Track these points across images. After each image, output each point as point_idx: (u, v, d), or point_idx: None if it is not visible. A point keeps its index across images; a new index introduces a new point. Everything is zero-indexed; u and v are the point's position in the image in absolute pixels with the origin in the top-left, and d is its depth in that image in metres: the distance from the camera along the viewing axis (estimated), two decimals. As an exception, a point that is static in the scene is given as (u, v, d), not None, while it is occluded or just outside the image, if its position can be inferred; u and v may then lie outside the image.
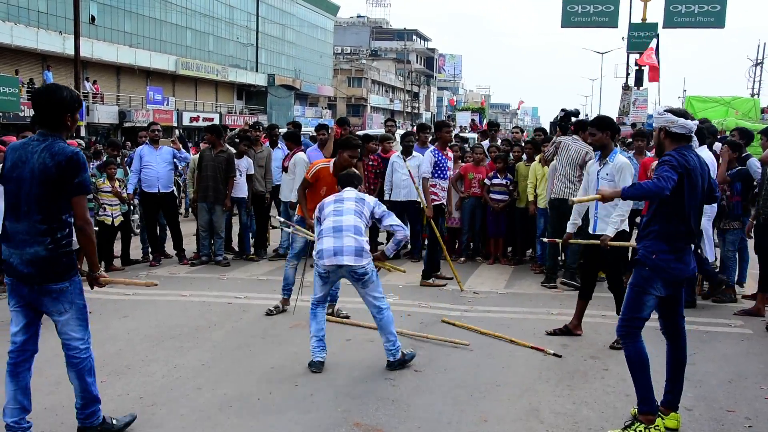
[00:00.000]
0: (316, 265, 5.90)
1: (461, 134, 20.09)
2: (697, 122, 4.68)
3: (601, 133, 6.66)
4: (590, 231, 6.70)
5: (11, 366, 4.22)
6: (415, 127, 12.99)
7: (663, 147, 4.65)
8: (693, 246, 4.64)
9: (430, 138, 10.48)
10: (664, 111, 4.64)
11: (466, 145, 12.87)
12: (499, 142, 12.19)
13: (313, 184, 7.21)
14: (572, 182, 8.57)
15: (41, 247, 4.03)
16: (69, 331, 4.20)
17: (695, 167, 4.49)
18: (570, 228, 6.93)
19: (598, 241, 6.38)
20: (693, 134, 4.60)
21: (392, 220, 6.08)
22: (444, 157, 9.18)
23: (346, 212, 5.88)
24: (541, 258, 10.00)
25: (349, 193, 6.11)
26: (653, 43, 24.58)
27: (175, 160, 10.41)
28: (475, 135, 21.99)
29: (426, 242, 10.05)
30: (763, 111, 25.82)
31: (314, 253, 5.96)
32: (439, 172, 9.11)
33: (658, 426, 4.46)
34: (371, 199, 6.13)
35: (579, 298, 6.81)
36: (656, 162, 4.71)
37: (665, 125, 4.57)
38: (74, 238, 4.17)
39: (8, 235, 4.13)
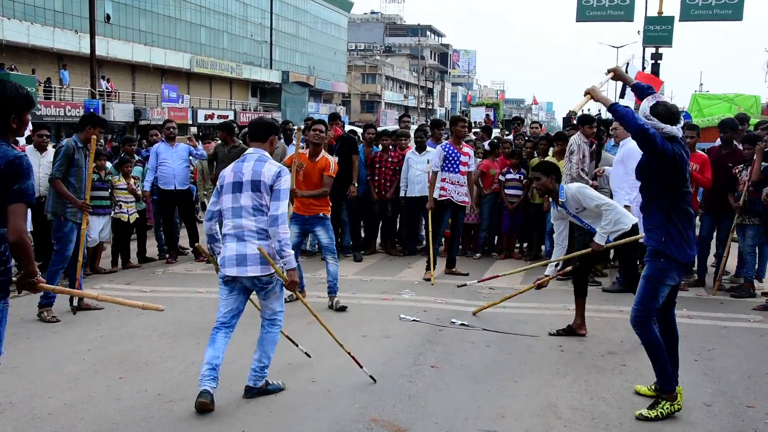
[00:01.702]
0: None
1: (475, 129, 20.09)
2: (681, 124, 4.71)
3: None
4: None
5: None
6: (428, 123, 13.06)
7: None
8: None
9: (446, 135, 10.51)
10: (651, 114, 4.61)
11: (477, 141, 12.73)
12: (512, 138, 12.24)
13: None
14: (582, 177, 8.77)
15: None
16: None
17: (681, 153, 4.64)
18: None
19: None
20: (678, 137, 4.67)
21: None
22: (457, 151, 9.14)
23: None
24: (550, 254, 9.96)
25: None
26: (638, 68, 24.86)
27: (191, 157, 10.46)
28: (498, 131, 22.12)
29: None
30: None
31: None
32: (450, 166, 9.09)
33: (679, 401, 4.75)
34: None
35: (576, 297, 6.75)
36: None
37: None
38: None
39: None
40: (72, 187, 7.25)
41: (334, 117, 11.11)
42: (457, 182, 9.15)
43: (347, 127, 13.97)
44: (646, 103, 4.64)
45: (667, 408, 4.68)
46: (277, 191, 4.90)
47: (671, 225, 4.65)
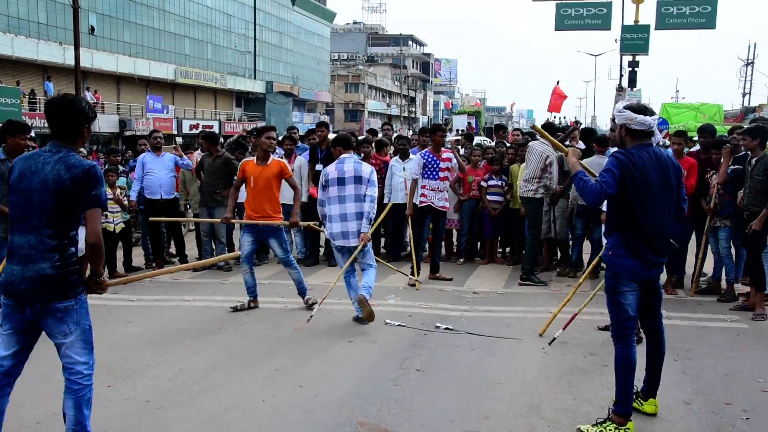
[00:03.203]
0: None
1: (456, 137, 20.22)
2: (656, 117, 4.64)
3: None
4: None
5: None
6: (410, 132, 13.15)
7: (624, 143, 4.63)
8: (661, 247, 4.54)
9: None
10: (624, 108, 4.58)
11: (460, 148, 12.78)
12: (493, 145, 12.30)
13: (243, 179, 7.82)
14: (538, 181, 9.04)
15: (47, 264, 3.74)
16: (72, 354, 3.86)
17: (646, 166, 4.42)
18: None
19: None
20: (654, 129, 4.57)
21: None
22: (437, 159, 9.21)
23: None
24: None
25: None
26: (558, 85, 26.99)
27: (178, 166, 10.44)
28: (482, 139, 22.29)
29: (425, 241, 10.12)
30: (754, 110, 26.12)
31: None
32: (429, 173, 9.17)
33: (628, 428, 4.41)
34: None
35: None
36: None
37: (625, 122, 4.53)
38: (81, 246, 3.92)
39: (11, 251, 3.82)
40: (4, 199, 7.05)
41: (322, 124, 11.12)
42: (437, 188, 9.22)
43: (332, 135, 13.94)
44: (621, 104, 4.69)
45: (611, 430, 4.41)
46: (372, 181, 7.23)
47: (617, 237, 4.54)
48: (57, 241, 3.78)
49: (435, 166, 9.18)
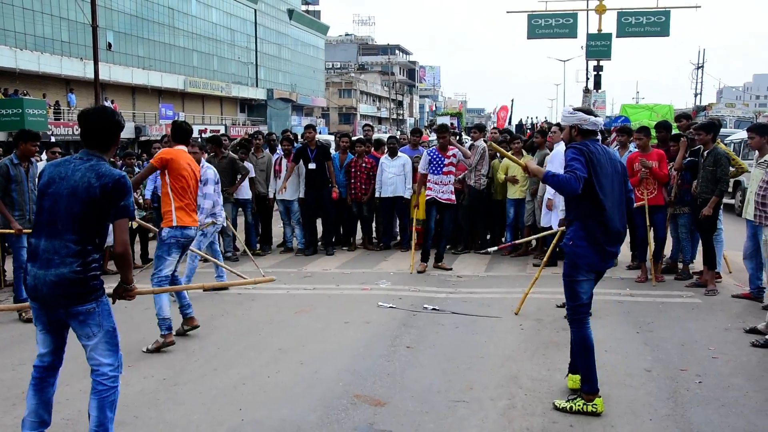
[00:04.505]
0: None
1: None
2: (601, 119, 4.63)
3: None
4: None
5: (36, 380, 3.76)
6: (398, 132, 13.07)
7: (574, 142, 4.55)
8: (619, 234, 4.43)
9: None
10: (574, 110, 4.53)
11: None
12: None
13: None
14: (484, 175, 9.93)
15: (68, 269, 3.49)
16: (98, 356, 3.65)
17: (601, 155, 4.37)
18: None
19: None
20: (600, 128, 4.56)
21: None
22: (442, 156, 8.95)
23: None
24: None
25: None
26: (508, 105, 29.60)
27: None
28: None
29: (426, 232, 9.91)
30: (704, 109, 26.30)
31: None
32: (435, 168, 8.93)
33: (596, 404, 4.33)
34: None
35: None
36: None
37: (577, 123, 4.46)
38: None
39: (34, 254, 3.58)
40: (16, 202, 7.12)
41: (309, 127, 11.00)
42: (441, 182, 8.93)
43: (320, 137, 13.82)
44: (569, 107, 4.67)
45: (580, 406, 4.33)
46: None
47: (579, 227, 4.41)
48: (80, 246, 3.53)
49: (440, 162, 8.96)
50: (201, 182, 6.99)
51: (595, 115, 4.55)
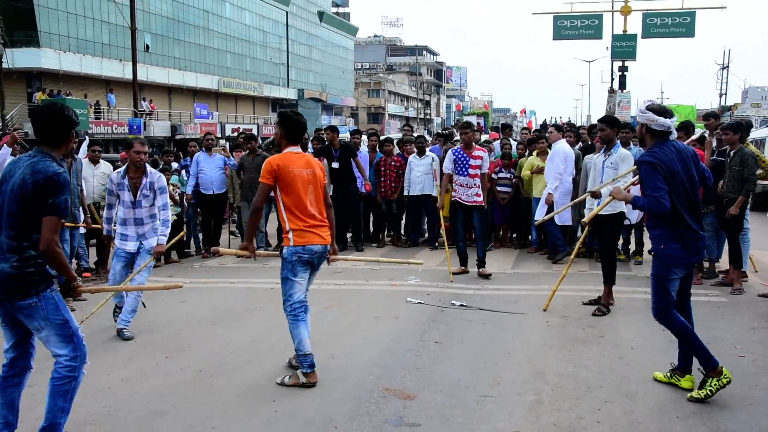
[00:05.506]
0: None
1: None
2: (675, 119, 4.55)
3: (609, 129, 6.82)
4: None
5: (1, 379, 3.68)
6: (425, 131, 13.01)
7: (644, 140, 4.60)
8: (698, 229, 4.44)
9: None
10: (646, 109, 4.48)
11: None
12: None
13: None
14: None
15: (7, 264, 3.42)
16: (51, 347, 3.61)
17: (671, 159, 4.34)
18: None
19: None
20: (672, 130, 4.47)
21: None
22: (467, 155, 8.38)
23: None
24: (536, 242, 10.18)
25: None
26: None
27: (227, 165, 10.51)
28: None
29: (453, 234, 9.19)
30: (729, 109, 25.78)
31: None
32: (459, 169, 8.36)
33: (726, 375, 4.34)
34: None
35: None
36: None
37: (647, 122, 4.45)
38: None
39: None
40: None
41: (329, 128, 10.98)
42: (465, 184, 8.34)
43: (341, 135, 13.70)
44: (643, 105, 4.60)
45: (715, 384, 4.32)
46: None
47: (664, 229, 4.42)
48: (16, 243, 3.44)
49: (465, 162, 8.34)
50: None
51: (669, 116, 4.46)
